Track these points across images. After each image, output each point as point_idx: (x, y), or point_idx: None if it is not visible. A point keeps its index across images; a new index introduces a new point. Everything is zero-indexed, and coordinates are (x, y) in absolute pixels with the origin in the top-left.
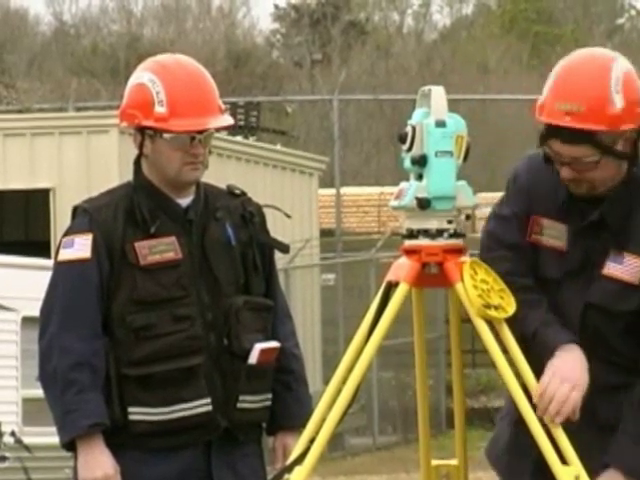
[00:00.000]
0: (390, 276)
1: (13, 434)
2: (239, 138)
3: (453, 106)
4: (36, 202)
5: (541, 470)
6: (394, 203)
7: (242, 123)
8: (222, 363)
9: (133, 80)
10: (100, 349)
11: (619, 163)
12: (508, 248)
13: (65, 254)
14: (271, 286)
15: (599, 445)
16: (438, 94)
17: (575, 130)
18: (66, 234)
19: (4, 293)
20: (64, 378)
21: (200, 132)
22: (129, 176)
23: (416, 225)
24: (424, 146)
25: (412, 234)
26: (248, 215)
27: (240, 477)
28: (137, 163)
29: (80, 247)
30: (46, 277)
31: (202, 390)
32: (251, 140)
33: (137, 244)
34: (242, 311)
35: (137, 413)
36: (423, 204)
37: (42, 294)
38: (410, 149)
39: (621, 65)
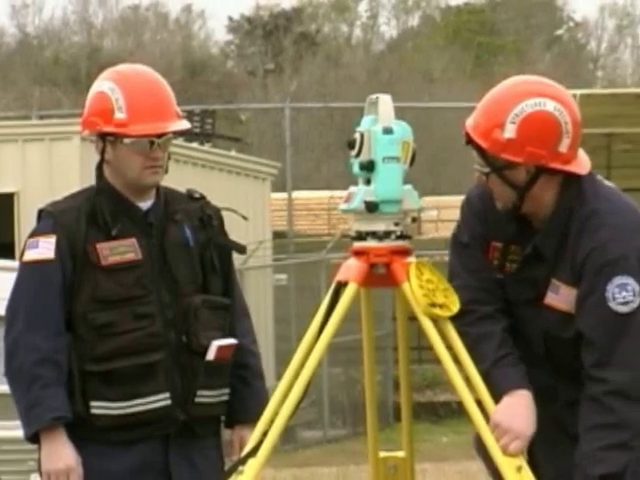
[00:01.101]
0: (340, 276)
1: None
2: (195, 144)
3: (400, 114)
4: (1, 206)
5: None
6: (343, 206)
7: (198, 130)
8: (181, 359)
9: (94, 89)
10: (63, 346)
11: (508, 189)
12: (470, 274)
13: (30, 255)
14: (229, 286)
15: (570, 455)
16: (385, 102)
17: (470, 137)
18: (31, 236)
19: None
20: (29, 374)
21: (159, 136)
22: (90, 181)
23: (364, 227)
24: (372, 152)
25: (360, 236)
26: (206, 218)
27: (197, 469)
28: (99, 168)
29: (44, 248)
30: (11, 278)
31: (161, 385)
32: (207, 146)
33: (98, 245)
34: (200, 309)
35: (98, 407)
36: (371, 207)
37: (6, 293)
38: (359, 155)
39: (540, 105)
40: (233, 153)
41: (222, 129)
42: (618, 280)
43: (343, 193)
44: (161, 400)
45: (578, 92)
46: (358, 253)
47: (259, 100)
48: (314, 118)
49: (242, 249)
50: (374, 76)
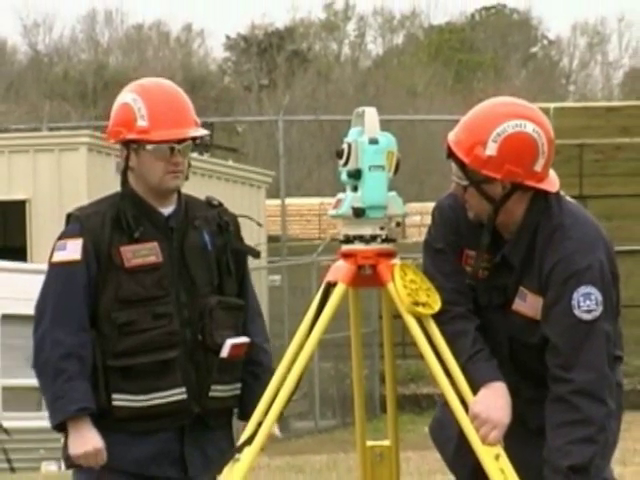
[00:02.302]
0: (329, 277)
1: None
2: (195, 154)
3: (385, 126)
4: (13, 212)
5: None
6: (332, 212)
7: (198, 141)
8: (196, 356)
9: (117, 102)
10: (87, 342)
11: (484, 202)
12: (444, 277)
13: (58, 256)
14: (244, 287)
15: (532, 446)
16: (371, 115)
17: (452, 151)
18: (60, 238)
19: None
20: (54, 367)
21: (179, 142)
22: (96, 188)
23: (352, 231)
24: (359, 161)
25: (348, 239)
26: (224, 224)
27: (208, 459)
28: (124, 175)
29: (71, 250)
30: (23, 278)
31: (177, 380)
32: (206, 156)
33: (122, 248)
34: (215, 310)
35: (120, 400)
36: (358, 213)
37: (19, 294)
38: (346, 164)
39: (521, 126)
40: (230, 162)
41: (220, 140)
42: (583, 290)
43: (333, 200)
44: (178, 394)
45: (552, 106)
46: (346, 255)
47: (254, 113)
48: (305, 130)
49: (256, 253)
50: (361, 91)
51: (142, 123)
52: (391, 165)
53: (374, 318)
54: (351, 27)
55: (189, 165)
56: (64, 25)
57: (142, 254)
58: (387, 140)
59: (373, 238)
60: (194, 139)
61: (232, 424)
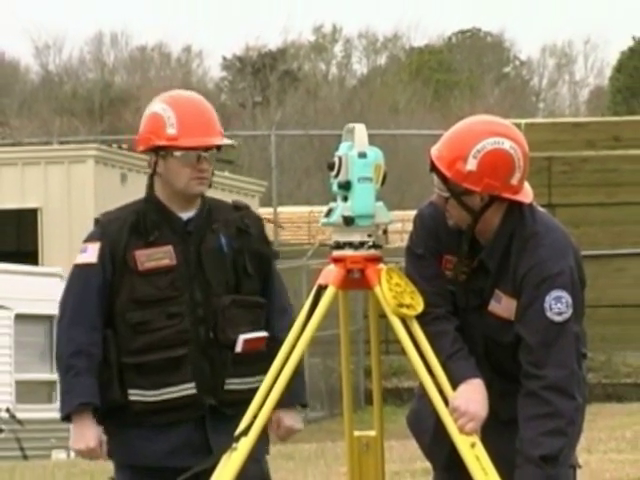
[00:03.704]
0: (320, 280)
1: (8, 410)
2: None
3: (369, 140)
4: (26, 219)
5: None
6: (324, 220)
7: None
8: (210, 352)
9: (147, 111)
10: (98, 340)
11: (464, 212)
12: (425, 281)
13: (79, 258)
14: (268, 286)
15: (504, 436)
16: (360, 130)
17: (434, 165)
18: (85, 241)
19: (0, 294)
20: (66, 363)
21: (205, 149)
22: (103, 197)
23: (342, 238)
24: (349, 173)
25: (339, 245)
26: (243, 226)
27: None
28: (150, 181)
29: (90, 254)
30: (34, 281)
31: (186, 376)
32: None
33: (137, 252)
34: (229, 308)
35: (135, 394)
36: (348, 221)
37: (31, 295)
38: (337, 175)
39: (499, 143)
40: (226, 173)
41: (217, 153)
42: (554, 293)
43: (321, 208)
44: (187, 389)
45: (523, 121)
46: (336, 260)
47: (248, 128)
48: (296, 144)
49: (275, 254)
50: (348, 107)
51: (171, 131)
52: (378, 177)
53: (359, 317)
54: (338, 49)
55: (213, 173)
56: (73, 46)
57: (156, 257)
58: (375, 154)
59: (361, 244)
60: (219, 147)
61: None
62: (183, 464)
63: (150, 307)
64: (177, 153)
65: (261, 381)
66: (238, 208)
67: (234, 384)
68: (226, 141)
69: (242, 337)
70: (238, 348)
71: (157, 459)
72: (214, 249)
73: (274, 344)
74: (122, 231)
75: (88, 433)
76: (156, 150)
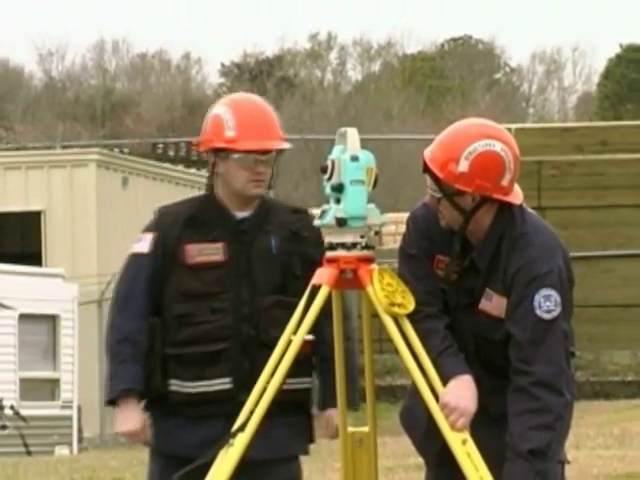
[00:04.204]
0: (314, 280)
1: (12, 407)
2: (193, 170)
3: (363, 144)
4: (30, 221)
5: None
6: (317, 222)
7: (196, 158)
8: (251, 350)
9: (210, 113)
10: (144, 328)
11: (456, 212)
12: (417, 280)
13: (134, 247)
14: None
15: (494, 432)
16: (352, 134)
17: (427, 167)
18: (142, 231)
19: (4, 294)
20: (112, 350)
21: (263, 153)
22: (104, 200)
23: (335, 239)
24: (341, 176)
25: (332, 246)
26: (297, 230)
27: (272, 440)
28: (210, 180)
29: (144, 244)
30: (38, 281)
31: (223, 371)
32: (203, 171)
33: (188, 246)
34: (272, 308)
35: (174, 385)
36: (341, 222)
37: (35, 295)
38: (330, 178)
39: (490, 145)
40: None
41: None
42: (544, 292)
43: (317, 210)
44: (222, 384)
45: (513, 126)
46: (330, 261)
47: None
48: (292, 147)
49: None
50: (343, 113)
51: (230, 133)
52: (370, 180)
53: (354, 317)
54: (333, 56)
55: (272, 175)
56: (75, 54)
57: (207, 252)
58: (367, 157)
59: (354, 245)
60: (279, 151)
61: (305, 411)
62: (211, 457)
63: (195, 300)
64: (235, 155)
65: (301, 383)
66: (297, 211)
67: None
68: (284, 145)
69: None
70: None
71: (188, 450)
72: (264, 249)
73: (326, 348)
74: (176, 224)
75: (132, 417)
76: (216, 151)
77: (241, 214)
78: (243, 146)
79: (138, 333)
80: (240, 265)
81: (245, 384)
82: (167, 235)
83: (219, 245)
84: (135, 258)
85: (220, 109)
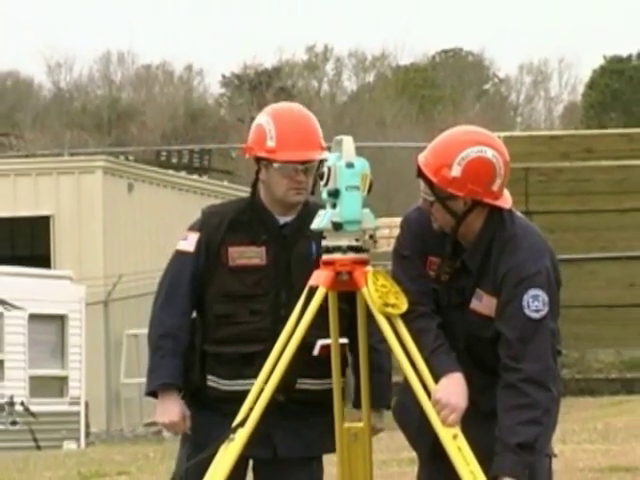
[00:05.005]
0: (311, 282)
1: (22, 404)
2: (195, 176)
3: (359, 151)
4: (39, 225)
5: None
6: (314, 226)
7: (197, 165)
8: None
9: (255, 122)
10: (186, 325)
11: (448, 215)
12: (410, 280)
13: (179, 245)
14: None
15: (484, 428)
16: (348, 142)
17: (421, 171)
18: (188, 229)
19: (15, 295)
20: (154, 344)
21: (302, 163)
22: (110, 205)
23: (331, 243)
24: (337, 182)
25: (328, 249)
26: None
27: (302, 439)
28: (254, 185)
29: (189, 242)
30: (47, 283)
31: (258, 372)
32: (204, 178)
33: (231, 248)
34: None
35: (212, 380)
36: (336, 226)
37: (44, 296)
38: (326, 184)
39: (482, 152)
40: (226, 183)
41: (217, 164)
42: (532, 292)
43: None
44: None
45: (501, 134)
46: (326, 263)
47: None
48: None
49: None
50: (338, 121)
51: (270, 143)
52: (365, 186)
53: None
54: (329, 67)
55: (314, 181)
56: (83, 65)
57: (248, 255)
58: (362, 164)
59: (349, 248)
60: (320, 161)
61: (330, 410)
62: (247, 453)
63: (235, 302)
64: (275, 165)
65: (328, 384)
66: None
67: (307, 384)
68: (324, 155)
69: (320, 342)
70: (315, 351)
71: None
72: (304, 254)
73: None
74: (221, 226)
75: (172, 408)
76: (258, 159)
77: (283, 219)
78: (282, 157)
79: (179, 329)
80: (280, 269)
81: (279, 384)
82: (211, 236)
83: (260, 249)
84: (180, 255)
85: (263, 118)
